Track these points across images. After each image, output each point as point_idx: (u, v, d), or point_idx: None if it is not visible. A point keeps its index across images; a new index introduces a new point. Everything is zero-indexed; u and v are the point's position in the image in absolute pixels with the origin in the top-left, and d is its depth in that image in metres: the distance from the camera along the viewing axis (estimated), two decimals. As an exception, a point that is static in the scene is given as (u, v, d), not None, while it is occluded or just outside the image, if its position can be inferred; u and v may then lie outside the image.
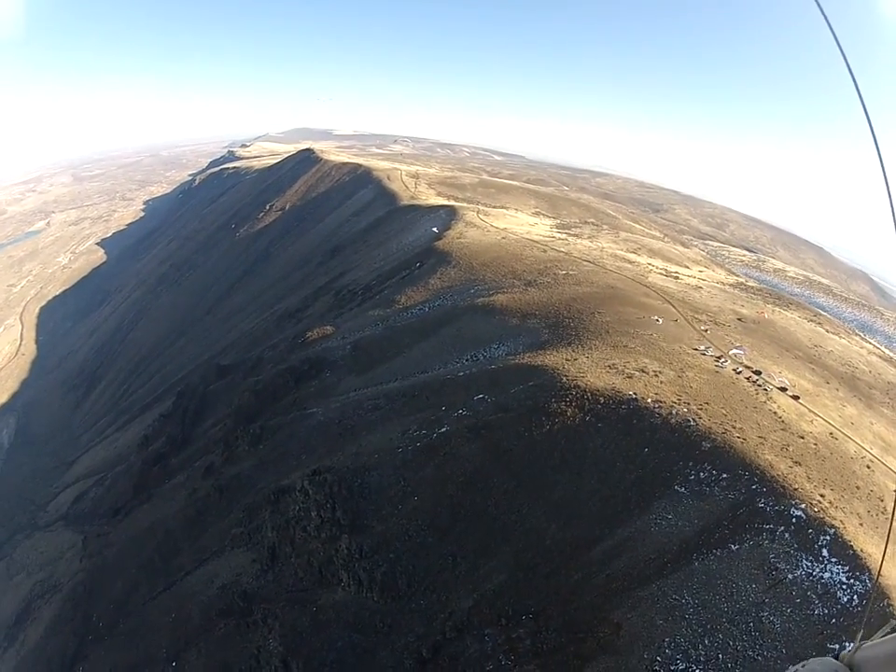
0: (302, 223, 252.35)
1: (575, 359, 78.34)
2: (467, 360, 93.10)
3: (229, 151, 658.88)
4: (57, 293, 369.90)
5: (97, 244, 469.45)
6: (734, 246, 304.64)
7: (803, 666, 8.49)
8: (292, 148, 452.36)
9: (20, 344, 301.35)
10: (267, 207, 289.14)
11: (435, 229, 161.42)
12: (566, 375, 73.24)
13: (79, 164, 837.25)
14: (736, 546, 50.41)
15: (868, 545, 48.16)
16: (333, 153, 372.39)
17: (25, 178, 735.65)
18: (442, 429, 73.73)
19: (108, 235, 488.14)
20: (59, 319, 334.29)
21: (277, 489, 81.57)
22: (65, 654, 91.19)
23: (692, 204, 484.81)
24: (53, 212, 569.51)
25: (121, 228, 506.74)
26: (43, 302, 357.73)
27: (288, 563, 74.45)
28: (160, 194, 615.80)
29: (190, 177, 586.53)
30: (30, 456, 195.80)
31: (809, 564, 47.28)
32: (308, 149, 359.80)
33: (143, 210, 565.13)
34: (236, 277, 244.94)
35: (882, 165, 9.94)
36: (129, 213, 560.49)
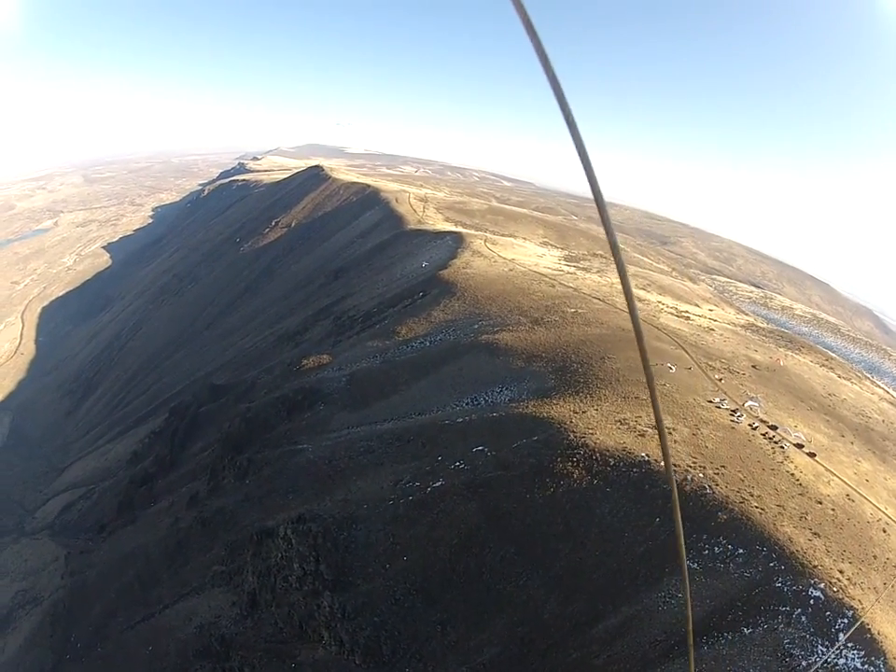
0: (307, 241, 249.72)
1: (583, 412, 73.51)
2: (467, 404, 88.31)
3: (239, 163, 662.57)
4: (60, 294, 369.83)
5: (103, 247, 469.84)
6: (741, 282, 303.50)
7: None
8: (303, 164, 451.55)
9: (19, 343, 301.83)
10: (273, 223, 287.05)
11: (426, 264, 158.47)
12: (573, 431, 68.43)
13: (91, 165, 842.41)
14: (750, 630, 45.99)
15: (884, 625, 44.60)
16: (342, 171, 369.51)
17: (36, 175, 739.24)
18: (437, 483, 68.76)
19: (115, 239, 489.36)
20: (60, 321, 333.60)
21: (261, 530, 77.33)
22: (42, 670, 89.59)
23: (699, 237, 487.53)
24: (62, 211, 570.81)
25: (128, 233, 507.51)
26: (45, 302, 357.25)
27: (269, 611, 70.38)
28: (169, 202, 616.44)
29: (200, 187, 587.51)
30: (22, 458, 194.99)
31: (825, 649, 43.17)
32: (317, 166, 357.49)
33: (151, 216, 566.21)
34: (238, 293, 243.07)
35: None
36: (137, 218, 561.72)
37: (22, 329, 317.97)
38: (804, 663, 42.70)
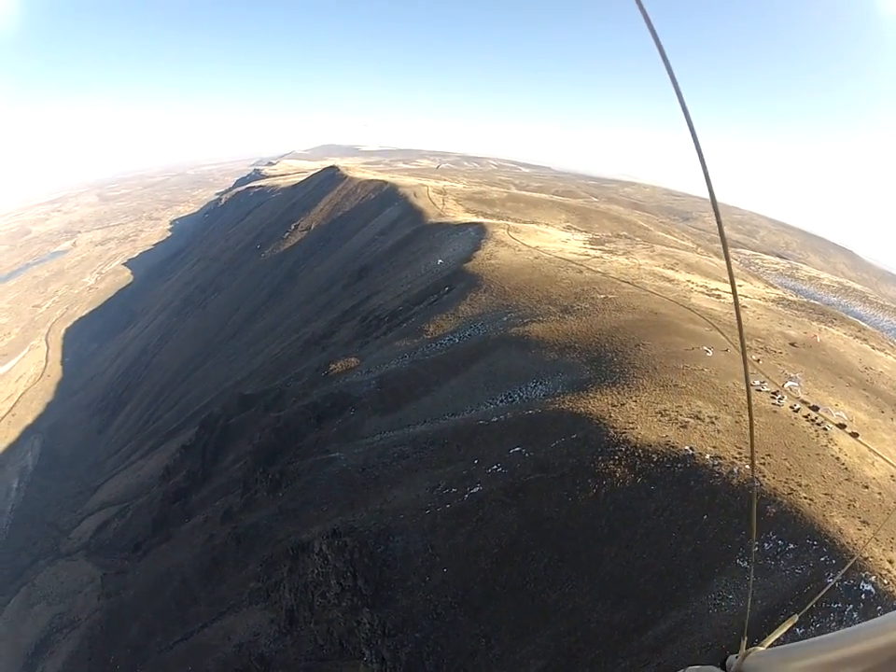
0: (328, 243, 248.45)
1: (622, 404, 71.24)
2: (501, 402, 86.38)
3: (255, 169, 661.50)
4: (83, 314, 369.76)
5: (124, 264, 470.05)
6: (765, 254, 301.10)
7: None
8: (318, 166, 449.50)
9: (45, 366, 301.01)
10: (292, 227, 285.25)
11: (441, 261, 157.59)
12: (613, 427, 66.18)
13: (105, 184, 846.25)
14: (802, 630, 42.82)
15: None
16: (358, 170, 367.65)
17: (50, 198, 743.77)
18: (475, 489, 66.72)
19: (135, 255, 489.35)
20: (85, 340, 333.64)
21: (296, 545, 76.26)
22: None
23: (720, 211, 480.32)
24: (79, 232, 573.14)
25: (148, 248, 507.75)
26: (69, 323, 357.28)
27: (307, 628, 69.36)
28: (186, 213, 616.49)
29: (217, 196, 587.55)
30: (54, 480, 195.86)
31: None
32: (333, 167, 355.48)
33: (170, 230, 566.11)
34: (261, 300, 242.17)
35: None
36: (155, 232, 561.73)
37: (47, 351, 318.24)
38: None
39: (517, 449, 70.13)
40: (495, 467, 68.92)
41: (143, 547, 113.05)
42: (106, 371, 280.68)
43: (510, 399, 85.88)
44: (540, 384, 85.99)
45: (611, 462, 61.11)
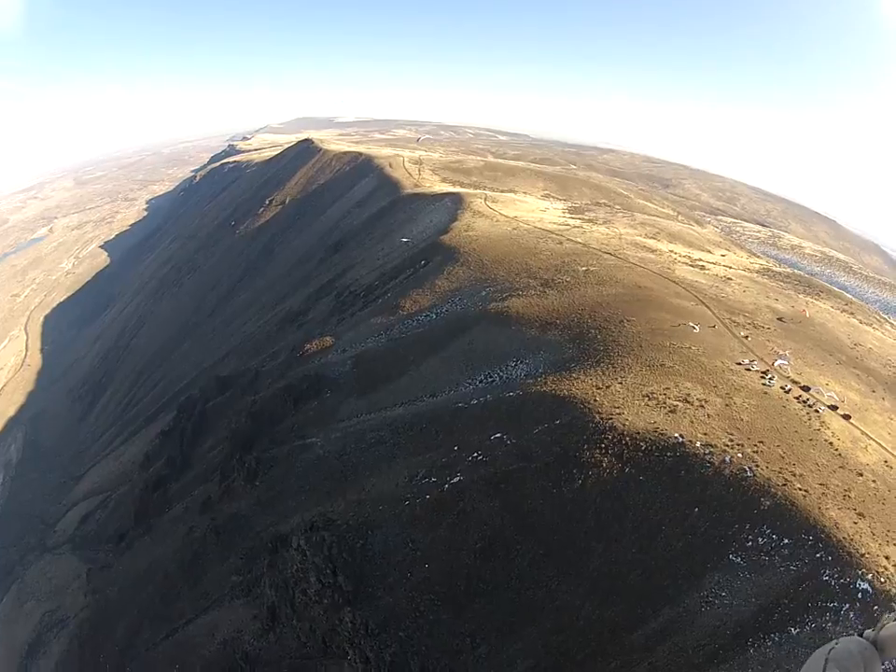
0: (303, 217, 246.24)
1: (607, 387, 68.92)
2: (480, 382, 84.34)
3: (230, 145, 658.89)
4: (61, 300, 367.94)
5: (100, 247, 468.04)
6: (746, 221, 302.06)
7: (836, 644, 9.16)
8: (294, 139, 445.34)
9: (25, 355, 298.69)
10: (267, 202, 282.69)
11: (405, 240, 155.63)
12: (598, 412, 63.85)
13: (81, 167, 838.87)
14: (797, 630, 42.90)
15: None
16: (333, 142, 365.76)
17: (27, 186, 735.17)
18: (455, 479, 64.43)
19: (111, 237, 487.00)
20: (64, 327, 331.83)
21: (275, 537, 74.30)
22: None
23: (701, 178, 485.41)
24: (56, 217, 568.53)
25: (124, 229, 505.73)
26: (48, 311, 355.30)
27: (290, 626, 67.17)
28: (162, 192, 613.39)
29: (192, 174, 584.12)
30: (39, 471, 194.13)
31: None
32: (307, 140, 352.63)
33: (145, 209, 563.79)
34: (237, 277, 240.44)
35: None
36: (132, 213, 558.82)
37: (27, 340, 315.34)
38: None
39: (498, 435, 68.00)
40: (475, 455, 66.72)
41: (126, 539, 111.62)
42: (86, 356, 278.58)
43: (489, 380, 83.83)
44: (521, 363, 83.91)
45: (597, 451, 59.03)
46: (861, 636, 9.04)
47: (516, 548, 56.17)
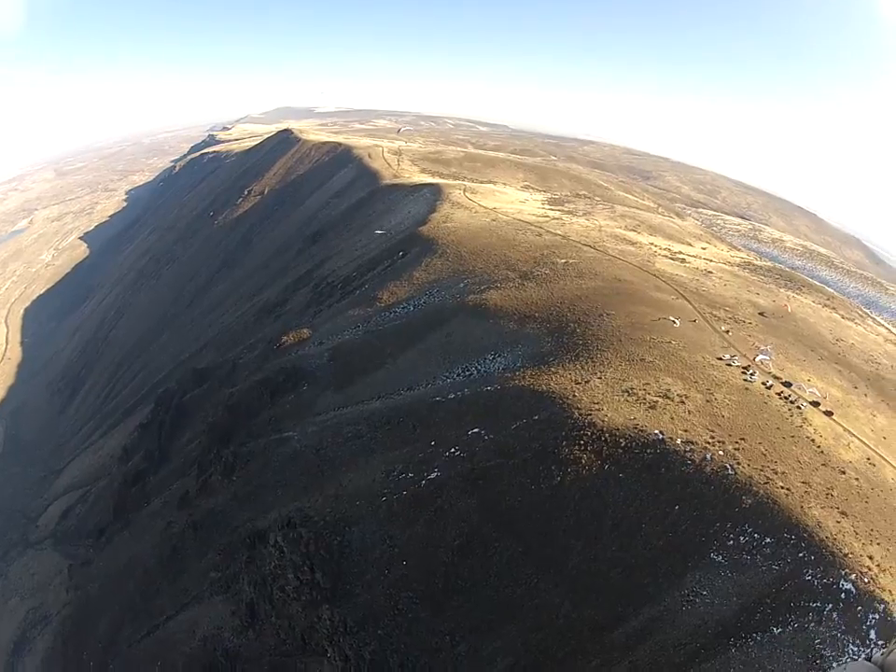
0: (282, 207, 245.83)
1: (586, 382, 68.34)
2: (458, 375, 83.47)
3: (209, 135, 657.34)
4: (41, 292, 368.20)
5: (80, 238, 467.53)
6: (727, 214, 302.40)
7: (844, 668, 9.14)
8: (273, 129, 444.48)
9: (5, 348, 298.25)
10: (246, 192, 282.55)
11: (380, 232, 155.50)
12: (577, 407, 63.22)
13: (62, 158, 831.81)
14: (779, 629, 42.76)
15: None
16: (313, 132, 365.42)
17: (8, 178, 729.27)
18: (432, 475, 63.87)
19: (91, 229, 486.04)
20: (44, 319, 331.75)
21: (253, 533, 73.67)
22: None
23: (681, 171, 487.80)
24: (36, 209, 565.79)
25: (104, 220, 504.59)
26: (28, 303, 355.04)
27: (269, 622, 66.79)
28: (142, 183, 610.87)
29: (172, 164, 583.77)
30: (20, 465, 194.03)
31: (856, 649, 40.93)
32: (287, 130, 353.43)
33: (125, 200, 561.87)
34: (215, 268, 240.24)
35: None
36: (111, 204, 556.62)
37: (7, 333, 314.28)
38: (835, 664, 39.73)
39: (476, 430, 67.31)
40: (453, 450, 66.05)
41: (105, 534, 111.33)
42: (65, 349, 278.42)
43: (467, 373, 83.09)
44: (499, 356, 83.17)
45: (576, 447, 58.44)
46: (869, 660, 8.76)
47: (494, 545, 55.60)
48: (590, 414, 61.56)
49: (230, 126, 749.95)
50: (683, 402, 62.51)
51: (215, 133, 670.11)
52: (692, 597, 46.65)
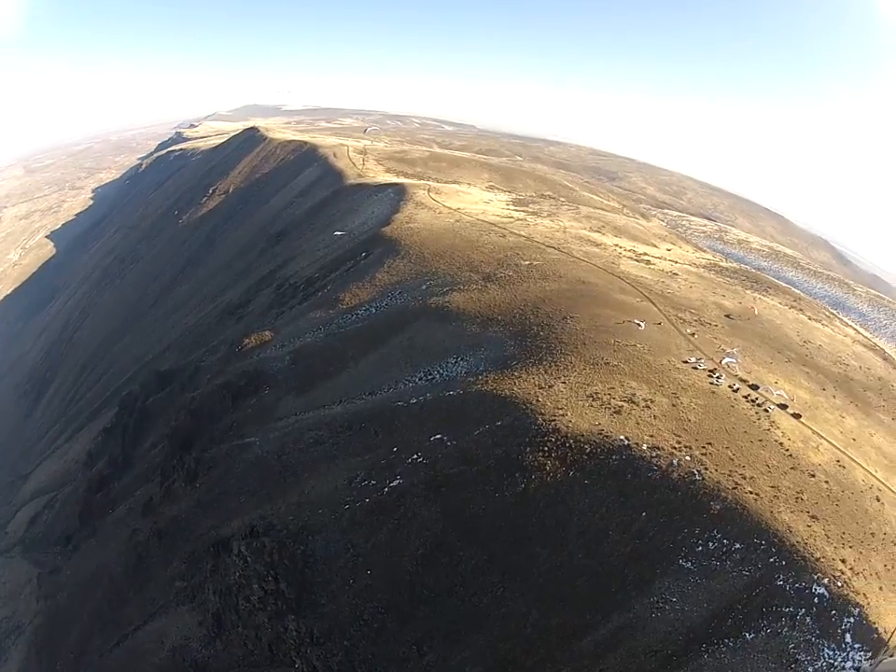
0: (246, 206, 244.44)
1: (550, 386, 67.57)
2: (420, 380, 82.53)
3: (177, 132, 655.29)
4: (8, 292, 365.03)
5: (47, 237, 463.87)
6: (692, 215, 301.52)
7: None
8: (240, 127, 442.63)
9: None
10: (210, 191, 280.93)
11: (339, 233, 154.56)
12: (541, 413, 62.47)
13: (32, 156, 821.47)
14: (752, 635, 42.88)
15: (891, 618, 42.67)
16: (279, 131, 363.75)
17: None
18: (395, 482, 63.02)
19: (58, 227, 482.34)
20: (11, 320, 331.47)
21: (216, 541, 73.14)
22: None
23: (647, 172, 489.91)
24: (4, 207, 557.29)
25: (71, 218, 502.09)
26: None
27: (236, 633, 66.40)
28: (109, 180, 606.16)
29: (139, 161, 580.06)
30: None
31: (831, 653, 40.81)
32: (253, 128, 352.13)
33: (92, 198, 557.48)
34: (179, 267, 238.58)
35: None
36: (78, 202, 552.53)
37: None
38: (810, 668, 40.34)
39: (438, 436, 66.47)
40: (415, 457, 65.30)
41: (72, 541, 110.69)
42: (31, 350, 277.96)
43: (429, 377, 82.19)
44: (462, 360, 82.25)
45: (540, 454, 57.83)
46: (858, 670, 10.06)
47: (459, 554, 54.97)
48: (554, 420, 60.91)
49: (197, 123, 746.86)
50: (649, 407, 62.03)
51: (182, 130, 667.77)
52: (661, 604, 46.38)
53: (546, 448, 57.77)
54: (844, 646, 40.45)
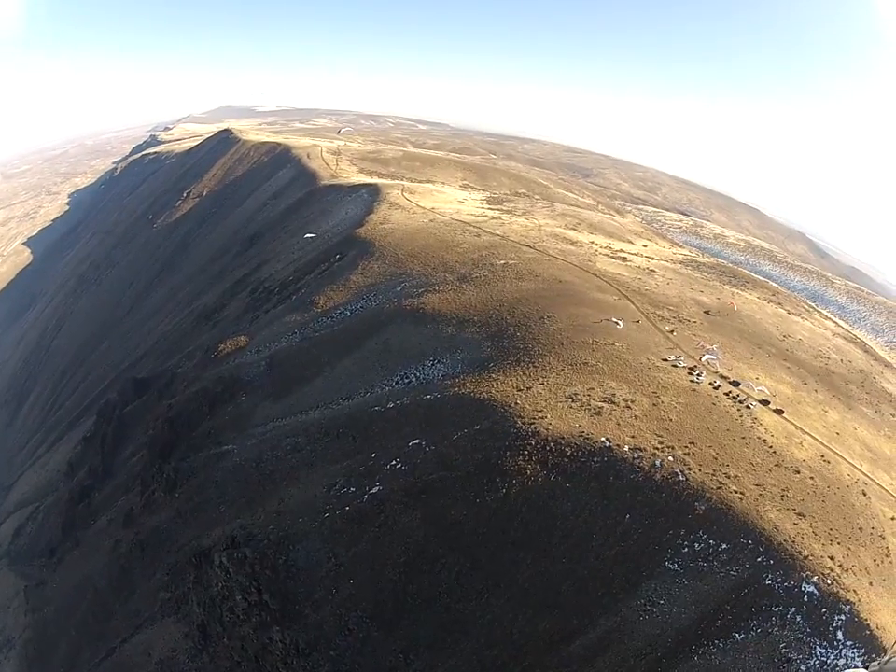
0: (220, 210, 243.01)
1: (528, 388, 67.01)
2: (397, 383, 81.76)
3: (151, 135, 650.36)
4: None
5: (24, 243, 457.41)
6: (668, 210, 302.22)
7: None
8: (214, 129, 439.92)
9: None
10: (185, 194, 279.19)
11: (310, 236, 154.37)
12: (520, 416, 61.89)
13: (7, 162, 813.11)
14: (742, 635, 42.88)
15: (882, 614, 43.27)
16: (253, 132, 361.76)
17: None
18: (374, 490, 62.31)
19: (35, 233, 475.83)
20: None
21: (198, 552, 72.02)
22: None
23: (622, 168, 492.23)
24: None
25: (47, 224, 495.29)
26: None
27: (222, 644, 65.27)
28: (84, 185, 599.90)
29: (114, 165, 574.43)
30: None
31: (823, 651, 41.23)
32: (226, 130, 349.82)
33: (67, 203, 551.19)
34: (154, 273, 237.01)
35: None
36: (54, 207, 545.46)
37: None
38: (802, 667, 40.48)
39: (417, 441, 65.87)
40: (394, 462, 64.59)
41: (57, 553, 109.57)
42: (9, 359, 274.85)
43: (406, 381, 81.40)
44: (438, 362, 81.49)
45: (521, 458, 57.29)
46: (866, 668, 10.44)
47: (441, 561, 54.37)
48: (533, 423, 60.38)
49: (171, 126, 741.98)
50: (629, 407, 61.55)
51: (157, 133, 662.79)
52: (649, 607, 46.08)
53: (526, 452, 57.21)
54: (836, 644, 40.44)
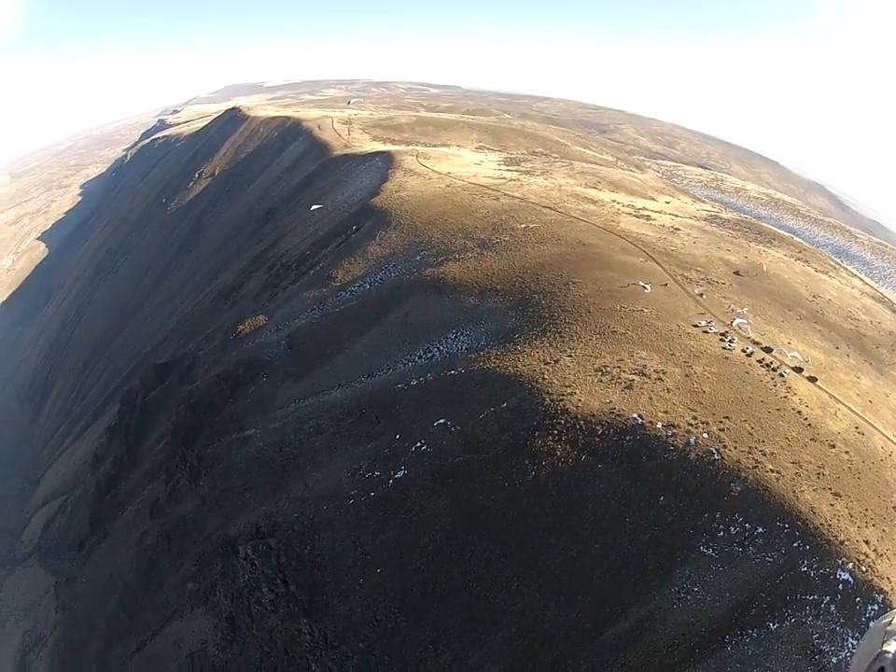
0: (233, 188, 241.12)
1: (556, 361, 64.76)
2: (419, 358, 79.63)
3: (159, 120, 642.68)
4: (4, 298, 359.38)
5: (38, 238, 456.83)
6: (687, 164, 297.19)
7: (894, 617, 8.74)
8: (222, 108, 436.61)
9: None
10: (197, 175, 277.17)
11: (316, 206, 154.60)
12: (548, 393, 59.72)
13: (15, 161, 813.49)
14: (776, 625, 41.53)
15: None
16: (261, 108, 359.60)
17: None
18: (399, 473, 60.82)
19: (48, 227, 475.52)
20: (9, 325, 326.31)
21: (224, 542, 71.29)
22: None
23: (638, 123, 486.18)
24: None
25: (60, 217, 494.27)
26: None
27: (251, 635, 64.92)
28: (95, 175, 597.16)
29: (123, 153, 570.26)
30: None
31: (855, 642, 39.51)
32: (235, 108, 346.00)
33: (79, 195, 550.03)
34: (171, 256, 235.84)
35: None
36: (66, 200, 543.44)
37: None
38: (834, 659, 39.32)
39: (442, 421, 64.13)
40: (419, 444, 62.99)
41: (85, 546, 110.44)
42: (31, 354, 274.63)
43: (429, 356, 79.28)
44: (462, 335, 79.22)
45: (550, 438, 55.29)
46: None
47: (470, 549, 53.01)
48: (562, 400, 58.26)
49: (179, 109, 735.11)
50: (661, 379, 59.37)
51: (165, 117, 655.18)
52: (682, 594, 44.68)
53: (556, 431, 55.33)
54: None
